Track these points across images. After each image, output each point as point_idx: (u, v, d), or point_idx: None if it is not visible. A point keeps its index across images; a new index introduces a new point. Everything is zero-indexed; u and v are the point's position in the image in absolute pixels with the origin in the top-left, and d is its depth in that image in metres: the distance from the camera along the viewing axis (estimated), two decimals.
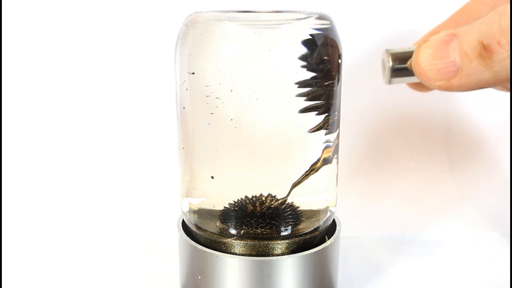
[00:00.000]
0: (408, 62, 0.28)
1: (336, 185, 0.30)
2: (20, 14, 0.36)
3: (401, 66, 0.28)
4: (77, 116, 0.39)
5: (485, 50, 0.22)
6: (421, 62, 0.25)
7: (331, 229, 0.31)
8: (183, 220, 0.31)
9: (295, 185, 0.28)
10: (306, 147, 0.28)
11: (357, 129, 0.39)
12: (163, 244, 0.38)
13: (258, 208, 0.28)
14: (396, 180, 0.41)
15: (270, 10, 0.28)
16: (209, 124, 0.27)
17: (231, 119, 0.26)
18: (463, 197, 0.41)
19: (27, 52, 0.37)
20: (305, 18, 0.27)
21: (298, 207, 0.29)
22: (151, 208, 0.40)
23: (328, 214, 0.30)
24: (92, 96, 0.38)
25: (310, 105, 0.27)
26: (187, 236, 0.29)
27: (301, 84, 0.26)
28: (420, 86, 0.30)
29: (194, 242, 0.29)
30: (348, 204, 0.40)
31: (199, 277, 0.28)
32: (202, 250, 0.28)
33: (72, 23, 0.37)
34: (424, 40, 0.26)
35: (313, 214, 0.29)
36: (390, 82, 0.30)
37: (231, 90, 0.26)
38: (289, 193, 0.28)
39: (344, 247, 0.32)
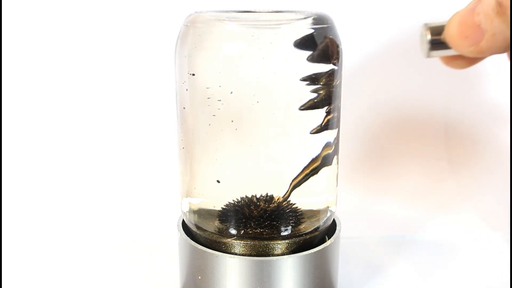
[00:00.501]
0: (443, 35, 0.29)
1: (336, 185, 0.30)
2: (20, 14, 0.37)
3: (438, 38, 0.29)
4: (77, 117, 0.39)
5: (500, 7, 0.23)
6: (450, 32, 0.26)
7: (331, 229, 0.31)
8: (183, 220, 0.31)
9: (295, 186, 0.28)
10: (306, 148, 0.28)
11: (357, 129, 0.39)
12: (163, 244, 0.38)
13: (258, 208, 0.28)
14: (396, 180, 0.41)
15: (270, 10, 0.28)
16: (209, 124, 0.27)
17: (232, 121, 0.26)
18: (463, 197, 0.41)
19: (27, 52, 0.37)
20: (305, 18, 0.27)
21: (298, 207, 0.29)
22: (151, 208, 0.40)
23: (328, 214, 0.30)
24: (92, 96, 0.38)
25: (310, 102, 0.27)
26: (187, 236, 0.29)
27: (304, 79, 0.26)
28: (456, 61, 0.31)
29: (194, 242, 0.29)
30: (348, 204, 0.40)
31: (199, 277, 0.28)
32: (202, 250, 0.28)
33: (72, 23, 0.37)
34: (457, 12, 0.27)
35: (313, 214, 0.29)
36: (428, 56, 0.30)
37: (231, 92, 0.26)
38: (289, 194, 0.28)
39: (344, 247, 0.32)
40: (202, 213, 0.29)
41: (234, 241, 0.28)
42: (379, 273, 0.35)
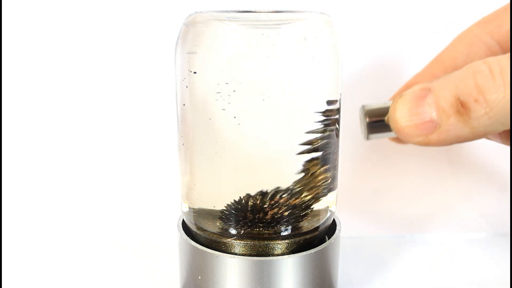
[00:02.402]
0: (386, 118, 0.28)
1: (336, 185, 0.30)
2: (19, 14, 0.36)
3: (378, 122, 0.28)
4: (77, 117, 0.38)
5: (462, 107, 0.23)
6: (398, 119, 0.25)
7: (331, 229, 0.31)
8: (183, 220, 0.31)
9: (296, 185, 0.28)
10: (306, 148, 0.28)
11: (357, 129, 0.39)
12: (163, 244, 0.38)
13: (258, 208, 0.28)
14: (396, 180, 0.41)
15: (270, 10, 0.28)
16: (209, 124, 0.27)
17: (234, 117, 0.26)
18: (463, 197, 0.41)
19: (27, 52, 0.37)
20: (305, 18, 0.27)
21: (298, 207, 0.29)
22: (151, 208, 0.40)
23: (328, 214, 0.30)
24: (91, 96, 0.38)
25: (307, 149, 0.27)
26: (187, 236, 0.29)
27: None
28: (400, 140, 0.30)
29: (194, 242, 0.29)
30: (348, 204, 0.40)
31: (199, 277, 0.28)
32: (202, 250, 0.28)
33: (72, 23, 0.37)
34: (400, 95, 0.26)
35: (313, 214, 0.29)
36: (368, 138, 0.30)
37: (234, 91, 0.26)
38: (290, 193, 0.28)
39: (344, 247, 0.32)
40: (202, 213, 0.29)
41: (234, 241, 0.28)
42: (379, 273, 0.35)
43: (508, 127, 0.23)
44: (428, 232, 0.41)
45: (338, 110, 0.28)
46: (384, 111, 0.28)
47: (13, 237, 0.39)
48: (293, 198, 0.28)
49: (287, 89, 0.26)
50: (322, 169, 0.28)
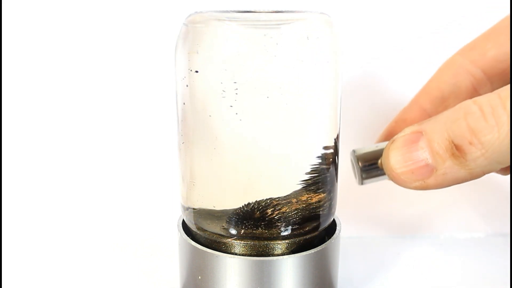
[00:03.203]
0: (379, 161, 0.28)
1: (336, 185, 0.30)
2: (19, 14, 0.36)
3: (371, 166, 0.28)
4: (77, 116, 0.38)
5: (457, 150, 0.22)
6: (393, 166, 0.25)
7: (331, 229, 0.31)
8: (183, 220, 0.31)
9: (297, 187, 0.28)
10: (306, 148, 0.28)
11: (357, 129, 0.39)
12: (163, 244, 0.38)
13: (259, 208, 0.28)
14: None
15: (271, 10, 0.28)
16: (209, 123, 0.27)
17: (236, 113, 0.26)
18: (463, 197, 0.41)
19: (27, 52, 0.37)
20: (305, 18, 0.27)
21: (298, 207, 0.29)
22: (151, 208, 0.40)
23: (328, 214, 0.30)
24: (91, 96, 0.38)
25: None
26: (187, 236, 0.29)
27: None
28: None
29: (194, 242, 0.29)
30: (348, 204, 0.40)
31: (199, 277, 0.28)
32: (202, 250, 0.28)
33: (73, 23, 0.37)
34: (391, 140, 0.26)
35: (313, 214, 0.29)
36: (363, 183, 0.30)
37: (237, 89, 0.26)
38: (290, 193, 0.28)
39: (344, 247, 0.32)
40: (202, 213, 0.29)
41: (234, 241, 0.28)
42: (379, 273, 0.35)
43: (506, 165, 0.23)
44: (428, 232, 0.41)
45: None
46: (376, 154, 0.28)
47: (13, 237, 0.39)
48: (295, 203, 0.28)
49: (289, 88, 0.26)
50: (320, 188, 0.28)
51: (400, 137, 0.25)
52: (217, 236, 0.28)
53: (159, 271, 0.35)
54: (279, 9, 0.28)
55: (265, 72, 0.26)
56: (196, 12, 0.28)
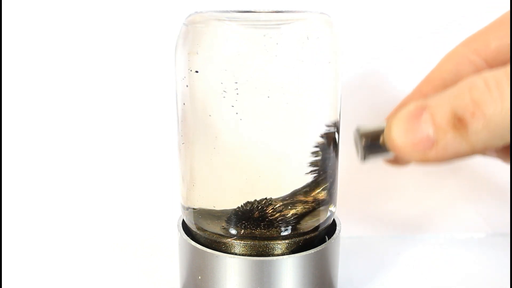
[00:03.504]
0: (381, 139, 0.28)
1: (336, 185, 0.30)
2: (19, 14, 0.36)
3: (374, 143, 0.28)
4: (77, 116, 0.38)
5: (459, 122, 0.22)
6: (394, 138, 0.25)
7: (331, 229, 0.31)
8: (183, 220, 0.31)
9: (297, 189, 0.28)
10: (306, 148, 0.28)
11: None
12: (163, 244, 0.38)
13: (259, 208, 0.28)
14: (396, 180, 0.41)
15: (270, 10, 0.28)
16: (209, 123, 0.27)
17: (236, 112, 0.26)
18: (463, 197, 0.41)
19: (27, 52, 0.37)
20: (305, 18, 0.27)
21: (298, 207, 0.29)
22: (151, 208, 0.40)
23: (328, 214, 0.30)
24: (92, 96, 0.38)
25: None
26: (187, 236, 0.30)
27: None
28: (397, 162, 0.30)
29: (194, 242, 0.29)
30: (348, 204, 0.40)
31: (199, 277, 0.28)
32: (202, 250, 0.28)
33: (73, 23, 0.37)
34: (394, 114, 0.26)
35: (313, 214, 0.29)
36: (365, 160, 0.30)
37: (237, 89, 0.26)
38: (290, 193, 0.28)
39: (344, 247, 0.32)
40: (202, 213, 0.29)
41: (234, 241, 0.28)
42: (379, 273, 0.35)
43: (507, 142, 0.22)
44: (428, 232, 0.41)
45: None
46: (379, 132, 0.28)
47: (13, 237, 0.39)
48: (295, 203, 0.28)
49: (289, 88, 0.26)
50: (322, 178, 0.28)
51: (404, 112, 0.25)
52: (217, 236, 0.28)
53: (159, 271, 0.35)
54: (279, 9, 0.28)
55: (266, 72, 0.26)
56: (196, 12, 0.28)
